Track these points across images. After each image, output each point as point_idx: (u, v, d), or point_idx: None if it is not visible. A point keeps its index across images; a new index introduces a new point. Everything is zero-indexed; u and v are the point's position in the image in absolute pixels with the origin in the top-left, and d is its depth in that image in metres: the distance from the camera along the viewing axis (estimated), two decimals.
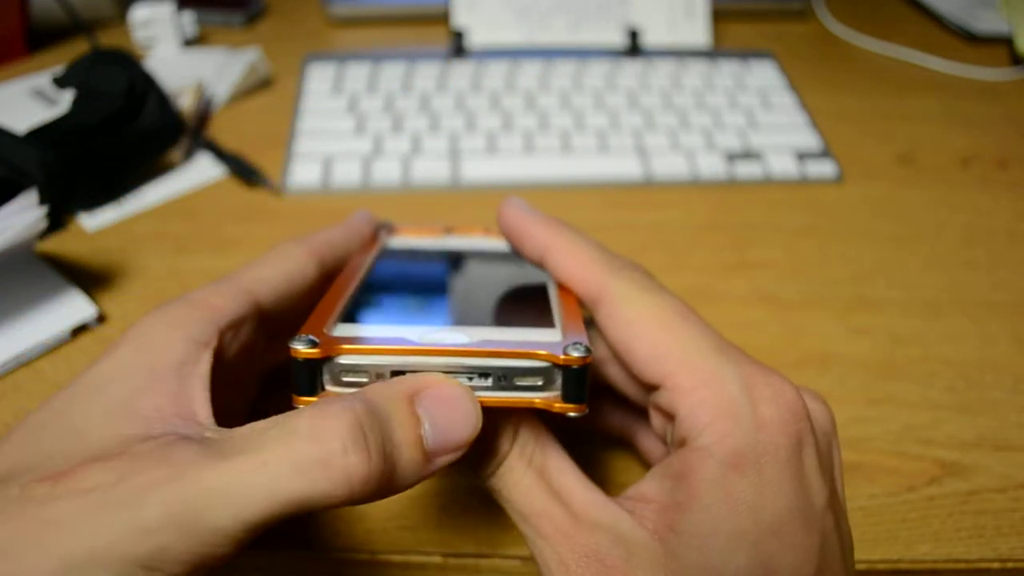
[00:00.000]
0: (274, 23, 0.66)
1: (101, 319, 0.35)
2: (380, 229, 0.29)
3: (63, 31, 0.60)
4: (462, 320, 0.21)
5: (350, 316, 0.21)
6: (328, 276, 0.25)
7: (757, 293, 0.38)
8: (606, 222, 0.43)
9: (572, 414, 0.19)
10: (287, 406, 0.18)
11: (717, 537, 0.18)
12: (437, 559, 0.26)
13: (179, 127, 0.46)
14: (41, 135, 0.39)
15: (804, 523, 0.18)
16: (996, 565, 0.27)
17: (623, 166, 0.47)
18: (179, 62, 0.57)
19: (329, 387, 0.19)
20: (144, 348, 0.19)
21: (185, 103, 0.49)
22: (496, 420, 0.20)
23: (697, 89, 0.54)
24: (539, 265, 0.24)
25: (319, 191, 0.45)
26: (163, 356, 0.19)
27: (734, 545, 0.18)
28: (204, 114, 0.51)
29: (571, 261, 0.23)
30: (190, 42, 0.60)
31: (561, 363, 0.18)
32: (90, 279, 0.37)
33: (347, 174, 0.45)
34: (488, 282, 0.25)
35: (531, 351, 0.18)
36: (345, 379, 0.19)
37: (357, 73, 0.55)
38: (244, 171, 0.45)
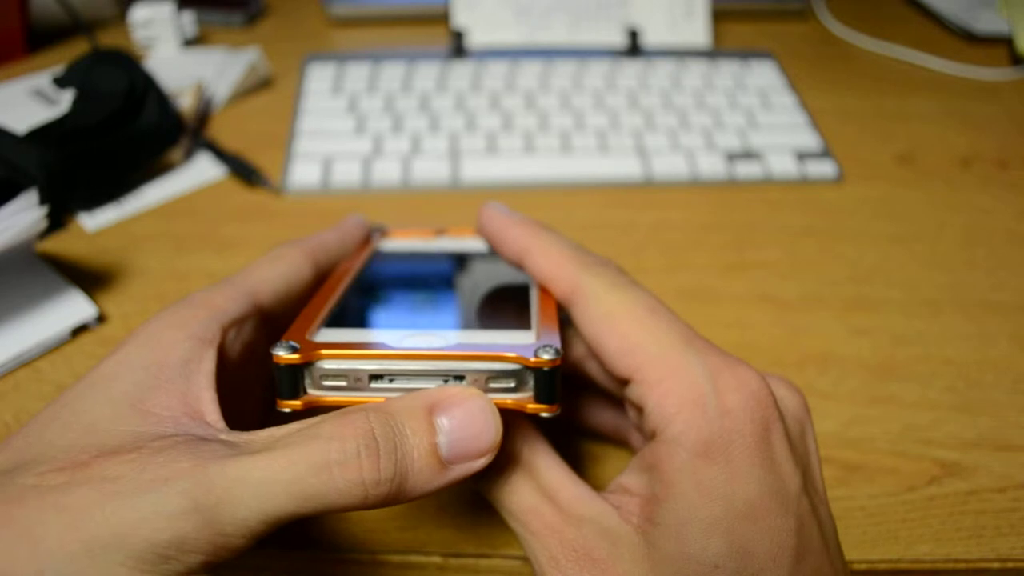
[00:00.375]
0: (274, 23, 0.67)
1: (101, 319, 0.35)
2: (373, 232, 0.30)
3: (63, 31, 0.60)
4: (443, 323, 0.22)
5: (334, 320, 0.21)
6: (321, 278, 0.25)
7: (757, 293, 0.38)
8: (606, 222, 0.43)
9: (545, 415, 0.19)
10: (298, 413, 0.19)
11: (692, 525, 0.18)
12: (437, 559, 0.26)
13: (179, 127, 0.46)
14: (41, 135, 0.39)
15: (779, 507, 0.18)
16: (996, 565, 0.27)
17: (623, 166, 0.47)
18: (179, 62, 0.57)
19: (311, 391, 0.19)
20: (149, 346, 0.20)
21: (185, 103, 0.49)
22: None
23: (697, 89, 0.54)
24: (518, 266, 0.25)
25: (319, 191, 0.45)
26: (168, 354, 0.20)
27: (709, 532, 0.18)
28: (204, 114, 0.51)
29: (546, 261, 0.23)
30: (190, 42, 0.60)
31: (531, 365, 0.19)
32: (90, 279, 0.37)
33: (347, 174, 0.45)
34: (472, 284, 0.26)
35: (502, 354, 0.19)
36: (326, 383, 0.19)
37: (357, 73, 0.55)
38: (244, 171, 0.45)
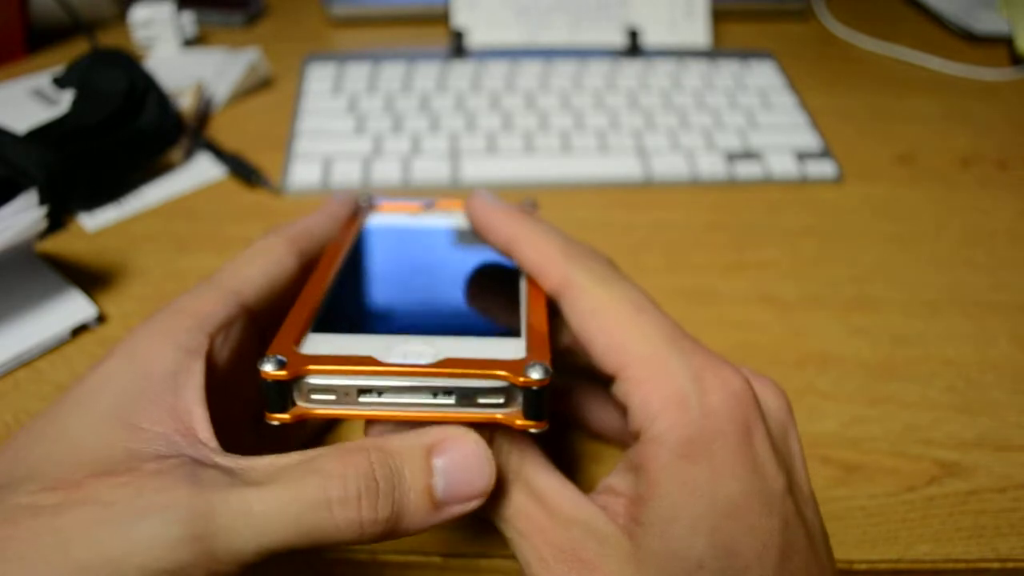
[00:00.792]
0: (274, 23, 0.67)
1: (101, 319, 0.35)
2: (361, 206, 0.29)
3: (63, 31, 0.60)
4: (432, 324, 0.22)
5: (322, 324, 0.21)
6: (308, 267, 0.25)
7: (757, 293, 0.38)
8: (606, 222, 0.43)
9: (533, 431, 0.19)
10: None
11: (676, 524, 0.18)
12: (437, 559, 0.26)
13: (179, 127, 0.46)
14: (41, 135, 0.39)
15: (762, 506, 0.18)
16: (996, 565, 0.27)
17: (623, 166, 0.47)
18: (179, 62, 0.57)
19: (300, 403, 0.19)
20: (133, 357, 0.20)
21: (185, 103, 0.49)
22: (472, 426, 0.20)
23: (697, 89, 0.54)
24: (506, 255, 0.24)
25: (319, 191, 0.45)
26: (153, 365, 0.19)
27: (693, 531, 0.18)
28: (204, 114, 0.51)
29: (534, 252, 0.23)
30: (190, 42, 0.60)
31: (521, 385, 0.19)
32: (90, 279, 0.37)
33: (347, 174, 0.45)
34: (461, 274, 0.25)
35: (492, 372, 0.19)
36: (314, 396, 0.19)
37: (357, 73, 0.55)
38: (244, 171, 0.45)
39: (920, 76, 0.59)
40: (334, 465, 0.17)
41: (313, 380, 0.19)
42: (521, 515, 0.19)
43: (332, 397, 0.19)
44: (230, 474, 0.17)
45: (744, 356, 0.34)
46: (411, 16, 0.65)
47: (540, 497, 0.20)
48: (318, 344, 0.20)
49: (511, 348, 0.20)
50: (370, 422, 0.20)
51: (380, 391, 0.19)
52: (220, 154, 0.46)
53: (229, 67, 0.55)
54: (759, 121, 0.51)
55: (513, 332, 0.21)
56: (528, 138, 0.49)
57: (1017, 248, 0.42)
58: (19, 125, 0.38)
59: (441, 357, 0.19)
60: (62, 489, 0.16)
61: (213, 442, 0.19)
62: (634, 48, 0.59)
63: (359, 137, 0.48)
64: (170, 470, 0.17)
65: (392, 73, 0.55)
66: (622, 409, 0.21)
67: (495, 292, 0.24)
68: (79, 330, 0.34)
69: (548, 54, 0.58)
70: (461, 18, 0.59)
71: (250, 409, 0.24)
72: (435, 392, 0.19)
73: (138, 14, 0.57)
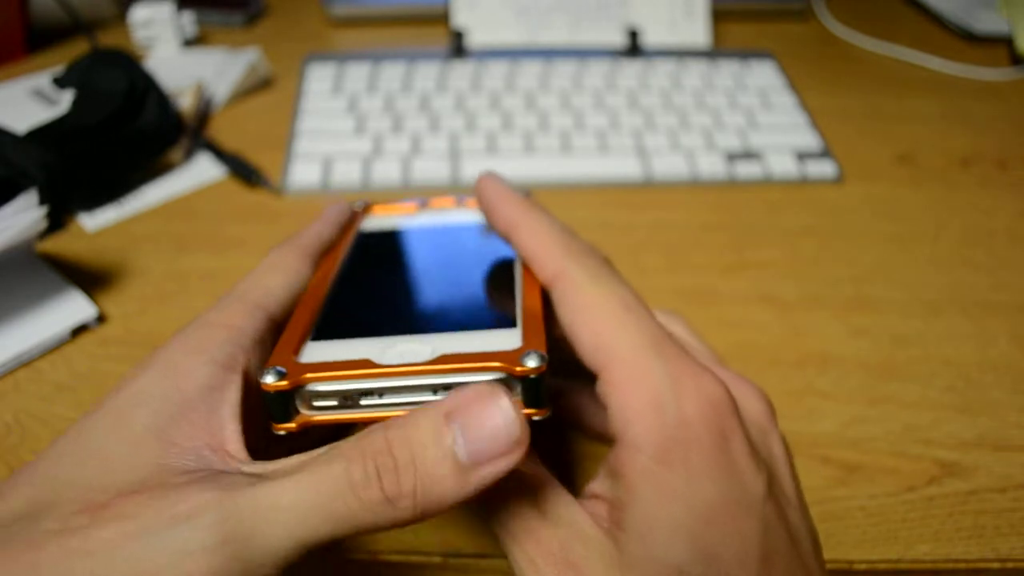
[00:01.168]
0: (274, 23, 0.67)
1: (101, 319, 0.35)
2: (356, 212, 0.30)
3: (63, 31, 0.60)
4: (428, 322, 0.22)
5: (321, 332, 0.21)
6: None
7: (757, 293, 0.38)
8: (606, 222, 0.43)
9: (536, 418, 0.19)
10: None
11: (656, 530, 0.18)
12: (437, 559, 0.26)
13: (179, 127, 0.46)
14: (41, 135, 0.39)
15: (741, 511, 0.18)
16: (996, 565, 0.27)
17: (623, 166, 0.47)
18: (179, 62, 0.57)
19: (303, 411, 0.19)
20: (168, 373, 0.19)
21: (185, 103, 0.49)
22: None
23: (697, 89, 0.54)
24: (506, 241, 0.25)
25: (319, 191, 0.45)
26: (188, 380, 0.19)
27: (673, 537, 0.18)
28: (204, 114, 0.51)
29: (533, 241, 0.23)
30: (190, 42, 0.60)
31: (517, 374, 0.19)
32: (90, 279, 0.37)
33: (347, 174, 0.45)
34: (455, 271, 0.26)
35: (487, 364, 0.19)
36: (316, 404, 0.19)
37: (357, 73, 0.55)
38: (244, 171, 0.45)
39: (920, 76, 0.59)
40: (352, 448, 0.17)
41: (313, 388, 0.19)
42: (512, 514, 0.19)
43: (334, 403, 0.19)
44: (254, 476, 0.17)
45: (744, 356, 0.34)
46: (411, 16, 0.65)
47: (531, 496, 0.20)
48: (317, 352, 0.20)
49: (506, 339, 0.20)
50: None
51: (380, 392, 0.19)
52: (220, 154, 0.46)
53: (229, 67, 0.55)
54: (759, 121, 0.51)
55: (508, 323, 0.21)
56: (528, 138, 0.49)
57: (1017, 248, 0.42)
58: (19, 125, 0.38)
59: (437, 354, 0.19)
60: (89, 511, 0.16)
61: (243, 455, 0.19)
62: (634, 48, 0.59)
63: (359, 137, 0.48)
64: (196, 480, 0.17)
65: (392, 73, 0.55)
66: (604, 408, 0.21)
67: (491, 294, 0.24)
68: (79, 330, 0.34)
69: (548, 54, 0.58)
70: (461, 18, 0.59)
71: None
72: (435, 389, 0.19)
73: (138, 14, 0.57)
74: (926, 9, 0.70)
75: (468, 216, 0.29)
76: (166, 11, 0.57)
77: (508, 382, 0.19)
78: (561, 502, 0.20)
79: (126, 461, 0.17)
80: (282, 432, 0.19)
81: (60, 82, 0.47)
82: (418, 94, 0.53)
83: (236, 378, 0.20)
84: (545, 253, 0.23)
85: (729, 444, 0.19)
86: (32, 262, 0.36)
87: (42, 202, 0.33)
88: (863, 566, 0.27)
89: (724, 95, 0.54)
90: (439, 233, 0.28)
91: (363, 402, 0.19)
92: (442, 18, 0.61)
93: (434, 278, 0.25)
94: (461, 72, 0.55)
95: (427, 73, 0.55)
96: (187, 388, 0.19)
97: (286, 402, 0.19)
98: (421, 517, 0.17)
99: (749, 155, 0.48)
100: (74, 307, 0.34)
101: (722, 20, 0.66)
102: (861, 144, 0.50)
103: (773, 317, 0.37)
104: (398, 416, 0.18)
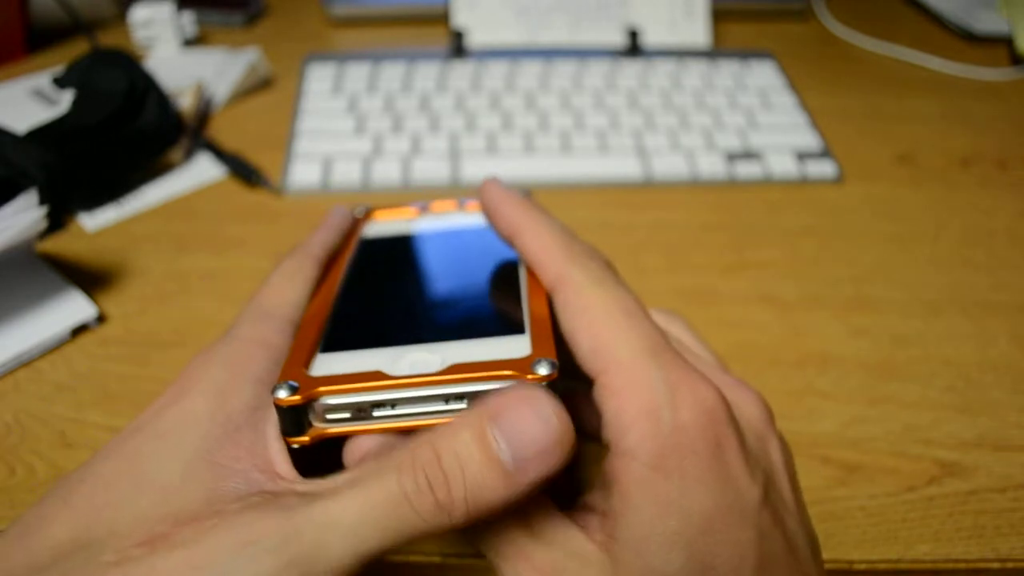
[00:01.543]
0: (274, 23, 0.67)
1: (101, 319, 0.35)
2: (357, 218, 0.30)
3: (63, 31, 0.60)
4: (436, 330, 0.22)
5: (329, 344, 0.21)
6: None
7: (757, 293, 0.38)
8: (606, 222, 0.43)
9: None
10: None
11: (652, 540, 0.18)
12: (436, 559, 0.26)
13: (179, 127, 0.46)
14: (41, 135, 0.39)
15: (737, 519, 0.18)
16: (996, 565, 0.27)
17: (623, 166, 0.47)
18: (179, 62, 0.57)
19: (316, 424, 0.20)
20: (214, 394, 0.20)
21: (185, 103, 0.49)
22: None
23: (697, 89, 0.54)
24: (510, 244, 0.25)
25: (319, 191, 0.45)
26: (234, 401, 0.20)
27: (669, 546, 0.18)
28: (204, 114, 0.51)
29: (535, 244, 0.23)
30: (190, 42, 0.60)
31: (528, 382, 0.19)
32: (90, 279, 0.37)
33: (347, 174, 0.45)
34: (460, 276, 0.26)
35: (499, 373, 0.19)
36: (329, 416, 0.19)
37: (357, 73, 0.55)
38: (244, 171, 0.45)
39: (920, 76, 0.59)
40: (404, 459, 0.17)
41: (326, 401, 0.19)
42: (502, 537, 0.19)
43: (347, 415, 0.19)
44: (308, 496, 0.17)
45: (744, 356, 0.34)
46: (411, 16, 0.65)
47: (521, 519, 0.19)
48: (327, 364, 0.20)
49: (516, 346, 0.20)
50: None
51: (393, 404, 0.19)
52: (220, 154, 0.46)
53: (229, 67, 0.55)
54: (759, 121, 0.51)
55: (516, 329, 0.21)
56: (528, 138, 0.49)
57: (1017, 248, 0.42)
58: (19, 125, 0.38)
59: (448, 363, 0.19)
60: (149, 543, 0.16)
61: (292, 474, 0.19)
62: (634, 48, 0.59)
63: (359, 137, 0.48)
64: (253, 507, 0.17)
65: (392, 73, 0.55)
66: (599, 413, 0.21)
67: (497, 299, 0.24)
68: (79, 330, 0.34)
69: (548, 54, 0.58)
70: (461, 18, 0.59)
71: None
72: (447, 398, 0.19)
73: (138, 14, 0.57)
74: (926, 9, 0.70)
75: (470, 220, 0.29)
76: (166, 11, 0.57)
77: None
78: (551, 521, 0.19)
79: (180, 489, 0.17)
80: (295, 446, 0.19)
81: (60, 82, 0.47)
82: (418, 94, 0.53)
83: None
84: (547, 256, 0.23)
85: (724, 452, 0.19)
86: (32, 262, 0.36)
87: (42, 202, 0.33)
88: (863, 566, 0.27)
89: (724, 95, 0.54)
90: (442, 238, 0.28)
91: (376, 413, 0.19)
92: (442, 18, 0.61)
93: (440, 284, 0.25)
94: (461, 72, 0.55)
95: (427, 73, 0.55)
96: (233, 410, 0.19)
97: (299, 416, 0.19)
98: (475, 520, 0.17)
99: (749, 155, 0.48)
100: (74, 307, 0.35)
101: (722, 20, 0.66)
102: (861, 144, 0.50)
103: (773, 317, 0.37)
104: (442, 423, 0.18)
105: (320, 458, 0.20)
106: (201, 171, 0.46)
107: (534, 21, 0.59)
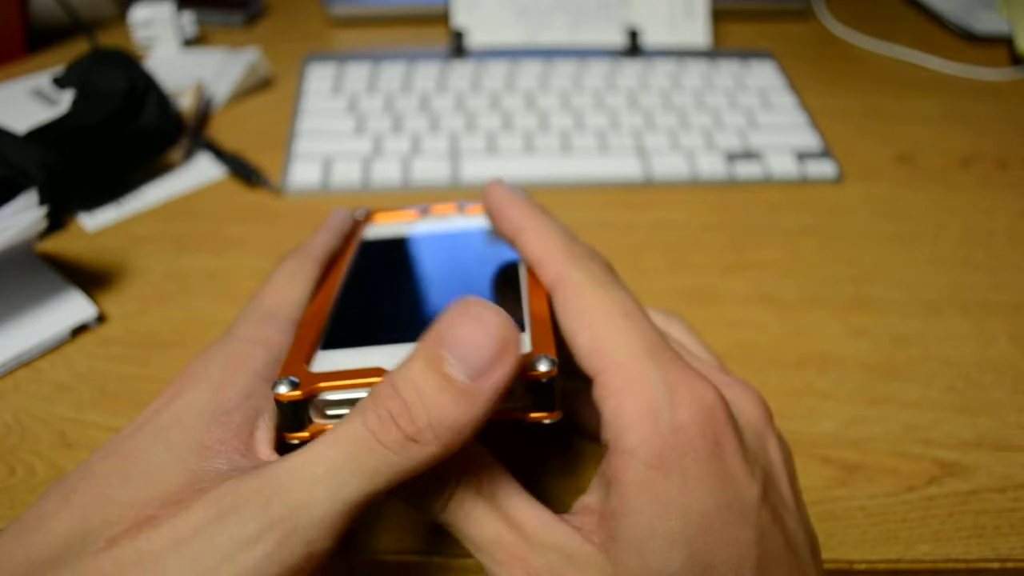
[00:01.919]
0: (274, 23, 0.67)
1: (101, 319, 0.35)
2: (358, 220, 0.30)
3: (63, 31, 0.60)
4: None
5: (329, 341, 0.22)
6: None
7: (757, 293, 0.38)
8: (606, 222, 0.43)
9: (546, 421, 0.19)
10: None
11: (652, 540, 0.18)
12: (437, 559, 0.26)
13: (179, 127, 0.46)
14: (41, 135, 0.39)
15: (736, 519, 0.18)
16: (996, 565, 0.27)
17: (623, 166, 0.47)
18: (179, 62, 0.57)
19: (316, 419, 0.20)
20: (210, 389, 0.20)
21: (185, 103, 0.49)
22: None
23: (697, 89, 0.54)
24: (512, 244, 0.25)
25: (319, 191, 0.45)
26: (229, 391, 0.20)
27: (669, 545, 0.18)
28: (204, 114, 0.51)
29: (537, 244, 0.23)
30: (190, 42, 0.60)
31: (529, 379, 0.19)
32: (90, 279, 0.37)
33: (347, 174, 0.45)
34: (460, 277, 0.26)
35: None
36: (329, 412, 0.20)
37: (357, 73, 0.55)
38: (244, 171, 0.45)
39: (920, 76, 0.59)
40: (364, 403, 0.18)
41: (326, 397, 0.19)
42: (495, 543, 0.19)
43: (346, 411, 0.19)
44: (286, 458, 0.17)
45: (744, 356, 0.34)
46: (411, 16, 0.65)
47: (514, 522, 0.19)
48: (328, 361, 0.20)
49: None
50: None
51: None
52: (220, 154, 0.46)
53: (229, 67, 0.55)
54: (759, 121, 0.51)
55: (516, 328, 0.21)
56: (528, 138, 0.49)
57: (1017, 248, 0.42)
58: (19, 125, 0.38)
59: None
60: (137, 526, 0.16)
61: (273, 457, 0.19)
62: (634, 48, 0.59)
63: (359, 137, 0.48)
64: (232, 478, 0.17)
65: (392, 73, 0.55)
66: (598, 413, 0.21)
67: (497, 299, 0.24)
68: (79, 330, 0.34)
69: (548, 54, 0.58)
70: (461, 18, 0.59)
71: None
72: None
73: (138, 14, 0.57)
74: (926, 9, 0.70)
75: (471, 222, 0.29)
76: (166, 11, 0.57)
77: (520, 387, 0.19)
78: (546, 523, 0.19)
79: (166, 473, 0.18)
80: (295, 441, 0.20)
81: (60, 82, 0.47)
82: (418, 94, 0.53)
83: None
84: (548, 257, 0.23)
85: (723, 451, 0.19)
86: (32, 262, 0.36)
87: (42, 202, 0.33)
88: (863, 566, 0.27)
89: (724, 95, 0.54)
90: (442, 240, 0.28)
91: None
92: (442, 18, 0.61)
93: (440, 285, 0.25)
94: (461, 72, 0.55)
95: (427, 73, 0.55)
96: (225, 398, 0.20)
97: (299, 412, 0.19)
98: (449, 447, 0.17)
99: (749, 155, 0.48)
100: (74, 307, 0.35)
101: (722, 20, 0.66)
102: (861, 144, 0.50)
103: (773, 317, 0.37)
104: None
105: None
106: (201, 171, 0.46)
107: (534, 21, 0.59)
